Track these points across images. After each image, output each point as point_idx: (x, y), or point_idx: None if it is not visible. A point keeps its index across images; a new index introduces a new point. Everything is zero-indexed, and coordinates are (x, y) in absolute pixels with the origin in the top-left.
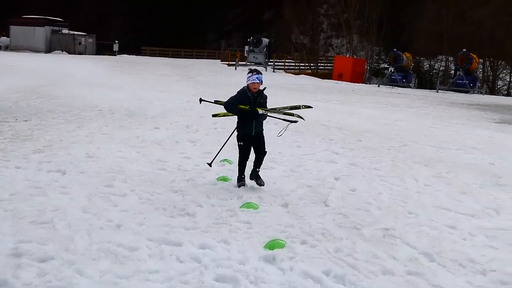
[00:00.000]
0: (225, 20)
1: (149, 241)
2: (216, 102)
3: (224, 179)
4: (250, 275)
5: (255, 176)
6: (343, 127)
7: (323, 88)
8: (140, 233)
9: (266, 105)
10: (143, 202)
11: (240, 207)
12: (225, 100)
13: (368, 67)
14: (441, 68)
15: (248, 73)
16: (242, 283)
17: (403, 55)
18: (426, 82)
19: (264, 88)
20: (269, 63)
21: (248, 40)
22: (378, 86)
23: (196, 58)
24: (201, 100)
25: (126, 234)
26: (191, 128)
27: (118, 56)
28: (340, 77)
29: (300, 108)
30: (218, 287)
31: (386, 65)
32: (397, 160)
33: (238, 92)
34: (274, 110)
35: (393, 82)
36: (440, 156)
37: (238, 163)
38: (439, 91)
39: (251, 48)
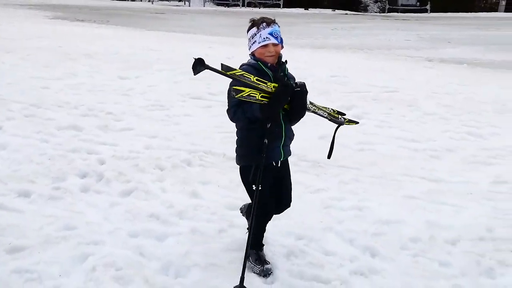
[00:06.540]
0: None
1: None
2: (224, 68)
3: None
4: None
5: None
6: None
7: None
8: None
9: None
10: None
11: None
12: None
13: None
14: None
15: (252, 26)
16: None
17: None
18: None
19: (285, 61)
20: None
21: None
22: None
23: None
24: (197, 64)
25: None
26: None
27: None
28: None
29: (339, 120)
30: None
31: None
32: None
33: (241, 68)
34: (317, 108)
35: None
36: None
37: (250, 226)
38: None
39: None
